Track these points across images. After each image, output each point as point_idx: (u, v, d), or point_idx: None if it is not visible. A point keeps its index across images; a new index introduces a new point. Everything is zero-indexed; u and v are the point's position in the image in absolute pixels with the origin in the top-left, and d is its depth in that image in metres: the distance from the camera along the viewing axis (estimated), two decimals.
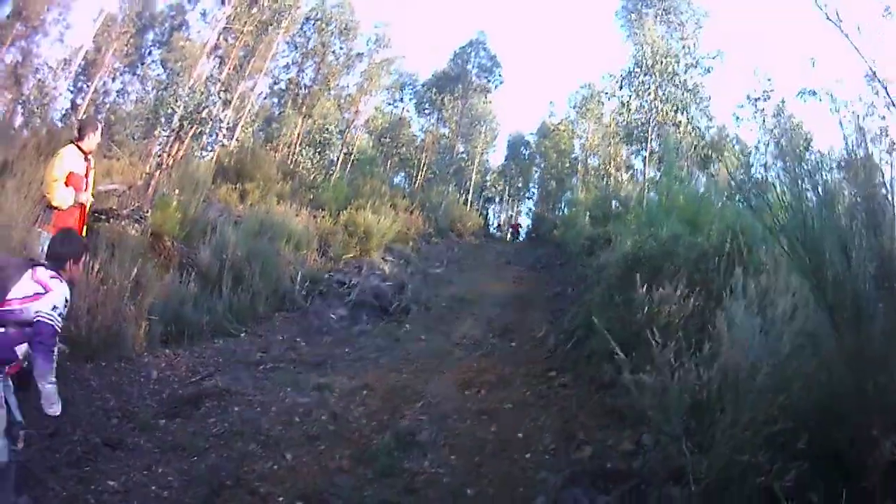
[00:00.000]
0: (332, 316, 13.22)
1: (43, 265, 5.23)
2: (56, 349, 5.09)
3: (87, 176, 8.45)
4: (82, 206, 8.27)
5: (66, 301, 5.20)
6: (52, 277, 5.11)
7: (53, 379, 5.01)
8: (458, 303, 16.16)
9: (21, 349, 4.99)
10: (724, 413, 4.26)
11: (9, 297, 4.92)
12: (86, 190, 8.35)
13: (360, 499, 6.14)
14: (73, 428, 6.39)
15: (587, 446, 6.89)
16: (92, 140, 8.50)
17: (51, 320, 4.96)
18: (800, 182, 4.13)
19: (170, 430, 6.88)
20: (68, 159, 8.18)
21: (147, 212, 12.37)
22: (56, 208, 7.99)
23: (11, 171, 9.04)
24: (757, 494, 3.59)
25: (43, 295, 5.00)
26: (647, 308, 7.18)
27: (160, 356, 8.88)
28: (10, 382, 5.03)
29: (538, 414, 8.24)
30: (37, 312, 4.93)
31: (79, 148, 8.34)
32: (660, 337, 5.26)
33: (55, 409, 5.07)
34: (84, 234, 8.07)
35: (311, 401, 8.39)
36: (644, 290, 7.30)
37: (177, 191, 13.57)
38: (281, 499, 6.00)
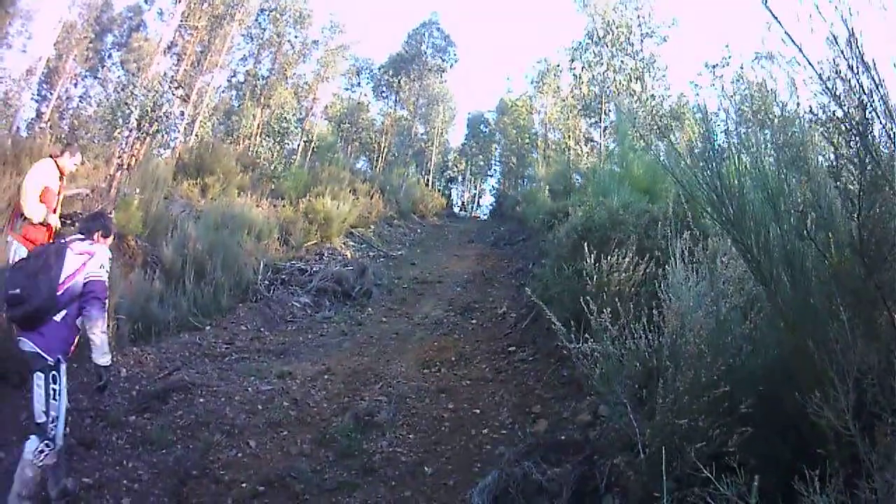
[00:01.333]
0: (296, 304, 13.23)
1: (77, 240, 5.81)
2: (106, 302, 5.74)
3: (58, 194, 8.54)
4: (49, 226, 8.30)
5: (110, 260, 5.96)
6: (90, 244, 5.80)
7: (105, 329, 5.64)
8: (420, 284, 16.25)
9: (79, 321, 5.59)
10: (665, 379, 4.30)
11: (62, 280, 5.44)
12: (54, 212, 8.38)
13: (320, 481, 6.26)
14: None
15: (542, 420, 6.99)
16: (70, 161, 8.68)
17: (99, 276, 5.65)
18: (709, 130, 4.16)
19: (139, 425, 6.92)
20: (45, 173, 8.32)
21: (110, 212, 12.34)
22: (27, 220, 8.09)
23: None
24: (702, 460, 3.60)
25: (89, 260, 5.64)
26: (595, 277, 7.23)
27: (129, 354, 8.82)
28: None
29: (496, 389, 8.37)
30: (86, 276, 5.57)
31: (56, 165, 8.48)
32: (612, 305, 5.32)
33: (106, 359, 5.69)
34: None
35: (274, 388, 8.44)
36: (592, 259, 7.35)
37: (137, 190, 13.52)
38: (245, 485, 6.10)
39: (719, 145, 4.11)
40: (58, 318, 5.42)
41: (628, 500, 4.41)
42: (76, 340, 5.72)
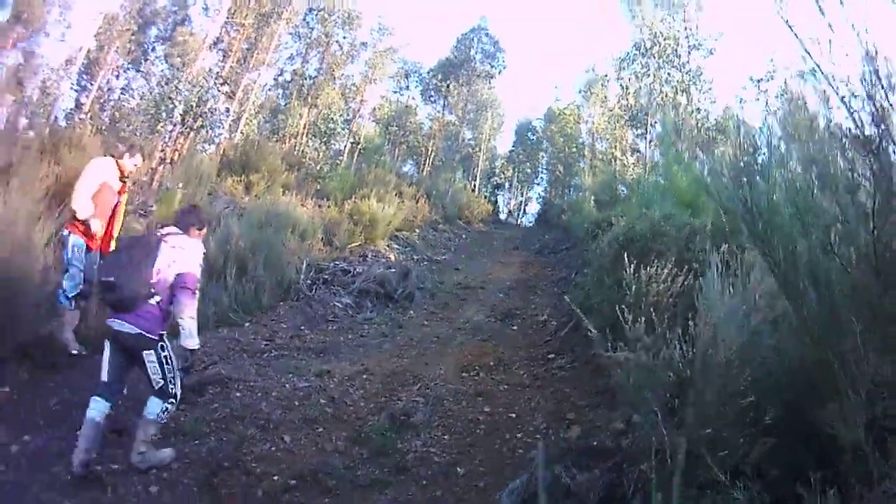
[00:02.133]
0: (337, 304, 13.28)
1: (172, 234, 6.35)
2: (197, 292, 6.33)
3: (120, 194, 8.50)
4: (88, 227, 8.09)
5: (203, 253, 6.60)
6: (185, 238, 6.37)
7: (194, 314, 6.24)
8: (463, 289, 16.21)
9: (171, 306, 6.19)
10: (695, 389, 4.35)
11: (156, 269, 6.04)
12: (112, 217, 8.37)
13: (353, 477, 6.33)
14: (79, 413, 6.54)
15: (576, 426, 7.03)
16: (130, 162, 8.52)
17: (191, 269, 6.22)
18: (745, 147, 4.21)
19: (174, 416, 6.88)
20: (105, 170, 8.23)
21: (152, 206, 12.49)
22: (76, 218, 7.94)
23: (16, 170, 9.12)
24: (726, 470, 3.64)
25: (182, 253, 6.21)
26: (634, 288, 7.26)
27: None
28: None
29: (533, 395, 8.40)
30: (179, 267, 6.15)
31: (117, 165, 8.38)
32: (648, 315, 5.37)
33: (194, 343, 6.29)
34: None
35: (311, 386, 8.53)
36: (632, 270, 7.38)
37: (180, 185, 13.68)
38: (276, 478, 6.17)
39: (751, 160, 4.15)
40: (152, 302, 6.01)
41: None
42: (169, 321, 6.26)
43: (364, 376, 9.08)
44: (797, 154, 4.20)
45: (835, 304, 3.51)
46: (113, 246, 8.19)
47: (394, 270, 15.67)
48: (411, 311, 13.63)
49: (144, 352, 5.99)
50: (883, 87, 3.25)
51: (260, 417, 7.39)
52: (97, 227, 8.02)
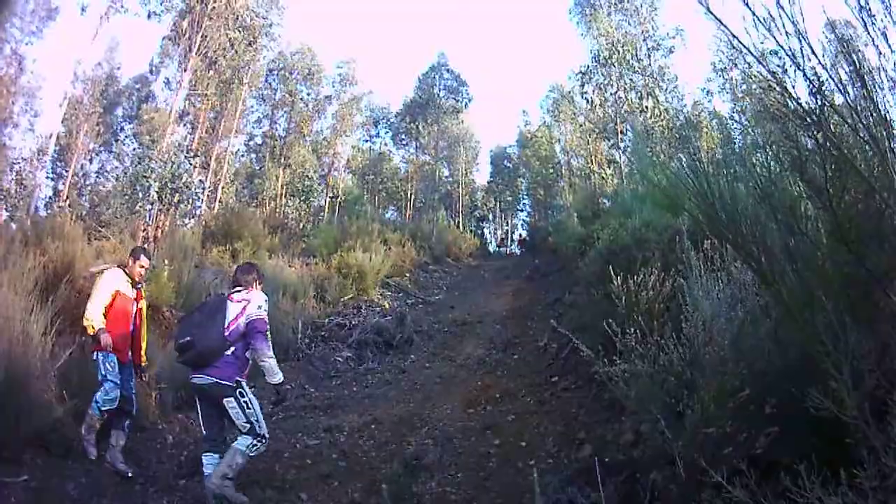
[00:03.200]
0: (338, 358, 13.27)
1: (235, 292, 7.02)
2: (268, 334, 6.83)
3: (137, 300, 8.30)
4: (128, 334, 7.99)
5: (266, 301, 7.01)
6: (247, 292, 6.97)
7: (272, 355, 6.78)
8: (460, 326, 16.16)
9: (248, 354, 6.76)
10: (695, 390, 4.37)
11: (227, 324, 6.66)
12: (130, 331, 8.08)
13: None
14: (99, 499, 6.56)
15: (587, 445, 7.04)
16: (138, 265, 8.37)
17: (259, 315, 6.76)
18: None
19: (189, 488, 7.07)
20: (113, 280, 8.04)
21: (141, 286, 12.51)
22: (88, 333, 7.72)
23: (4, 264, 9.13)
24: (737, 465, 3.63)
25: (248, 304, 6.79)
26: (624, 298, 7.29)
27: (174, 421, 8.97)
28: None
29: (541, 420, 8.42)
30: (247, 317, 6.71)
31: (125, 272, 8.24)
32: (643, 323, 5.42)
33: (278, 378, 6.85)
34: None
35: (322, 442, 8.58)
36: (619, 281, 7.42)
37: (166, 261, 13.65)
38: None
39: (709, 154, 4.21)
40: (228, 352, 6.60)
41: None
42: (247, 369, 6.83)
43: (373, 426, 9.10)
44: (751, 139, 4.26)
45: (809, 283, 3.53)
46: (144, 358, 8.35)
47: (389, 318, 15.67)
48: (412, 356, 13.60)
49: (225, 399, 6.50)
50: (818, 59, 3.31)
51: (275, 479, 7.41)
52: (108, 341, 7.59)
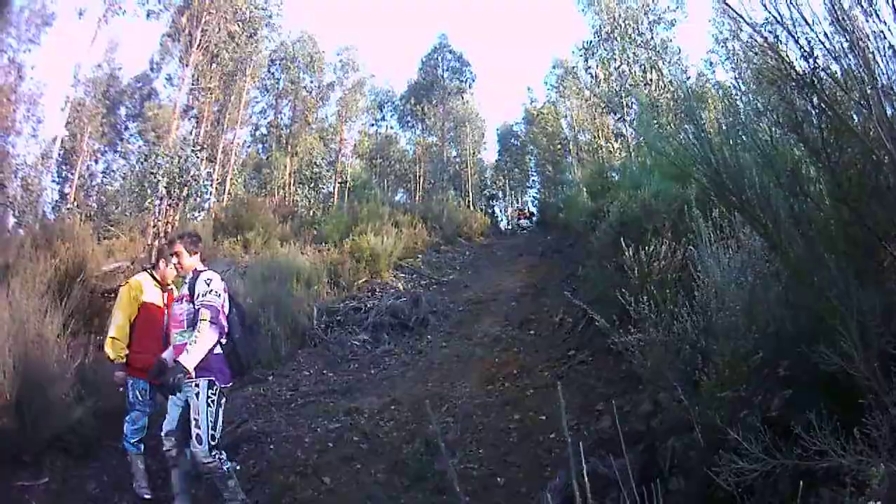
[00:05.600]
0: (355, 342, 13.28)
1: None
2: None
3: (168, 305, 7.38)
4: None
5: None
6: None
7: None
8: (475, 304, 16.16)
9: None
10: (709, 356, 4.42)
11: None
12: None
13: None
14: (121, 494, 6.64)
15: (606, 416, 7.08)
16: (164, 269, 7.70)
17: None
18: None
19: (212, 482, 7.07)
20: (137, 290, 7.40)
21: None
22: (128, 363, 7.14)
23: (14, 270, 9.18)
24: (751, 430, 3.68)
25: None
26: (636, 269, 7.33)
27: None
28: None
29: (559, 394, 8.44)
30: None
31: (153, 276, 7.68)
32: (657, 293, 5.47)
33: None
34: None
35: (343, 426, 8.58)
36: (631, 252, 7.46)
37: None
38: None
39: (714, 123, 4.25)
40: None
41: (691, 479, 4.51)
42: None
43: (392, 407, 9.14)
44: (752, 107, 4.29)
45: (814, 244, 3.57)
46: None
47: (404, 299, 15.67)
48: (428, 336, 13.64)
49: None
50: (808, 25, 3.35)
51: (298, 464, 7.45)
52: (120, 379, 7.10)
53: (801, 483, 2.86)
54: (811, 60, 3.38)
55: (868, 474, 2.83)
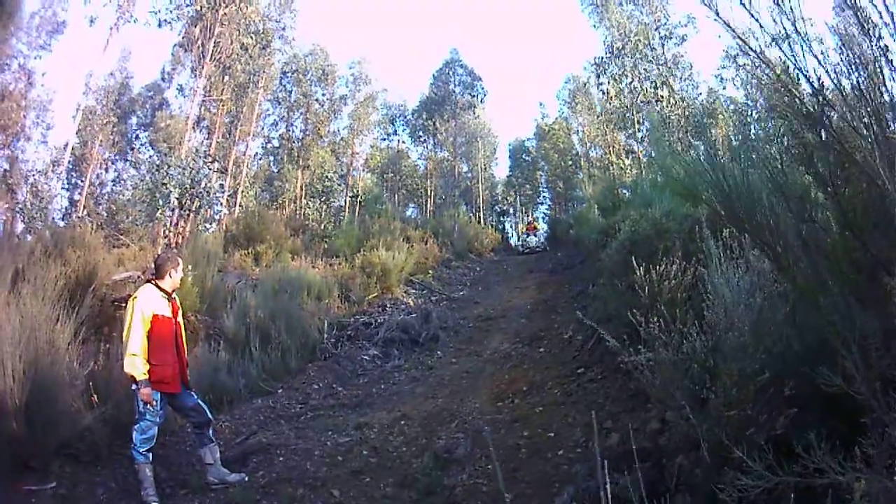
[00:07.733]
0: (365, 357, 13.33)
1: None
2: None
3: (175, 315, 7.49)
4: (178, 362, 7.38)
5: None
6: None
7: None
8: (485, 321, 16.26)
9: None
10: (717, 375, 4.47)
11: None
12: (179, 350, 7.44)
13: None
14: (129, 501, 6.69)
15: (614, 434, 7.11)
16: (175, 277, 7.57)
17: None
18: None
19: (221, 489, 7.14)
20: (145, 303, 7.16)
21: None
22: (132, 377, 6.94)
23: (24, 277, 9.21)
24: (756, 447, 3.73)
25: None
26: (647, 288, 7.38)
27: None
28: None
29: (568, 411, 8.48)
30: None
31: (158, 287, 7.40)
32: (666, 312, 5.52)
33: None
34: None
35: (352, 440, 8.62)
36: (642, 272, 7.51)
37: (189, 266, 13.75)
38: None
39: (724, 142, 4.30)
40: None
41: (696, 496, 4.55)
42: None
43: (402, 422, 9.17)
44: (762, 133, 4.35)
45: (820, 268, 3.63)
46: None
47: (414, 315, 15.74)
48: (438, 352, 13.68)
49: None
50: (821, 64, 3.40)
51: (307, 477, 7.47)
52: (148, 397, 6.91)
53: (799, 499, 2.92)
54: (821, 97, 3.44)
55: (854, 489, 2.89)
